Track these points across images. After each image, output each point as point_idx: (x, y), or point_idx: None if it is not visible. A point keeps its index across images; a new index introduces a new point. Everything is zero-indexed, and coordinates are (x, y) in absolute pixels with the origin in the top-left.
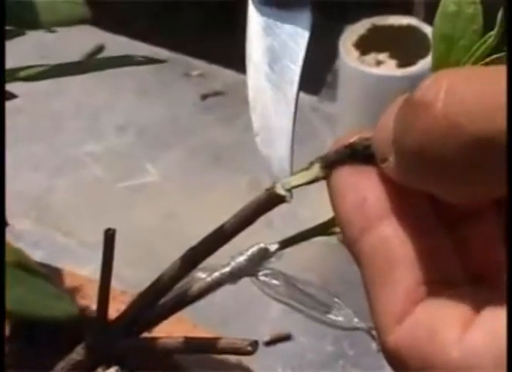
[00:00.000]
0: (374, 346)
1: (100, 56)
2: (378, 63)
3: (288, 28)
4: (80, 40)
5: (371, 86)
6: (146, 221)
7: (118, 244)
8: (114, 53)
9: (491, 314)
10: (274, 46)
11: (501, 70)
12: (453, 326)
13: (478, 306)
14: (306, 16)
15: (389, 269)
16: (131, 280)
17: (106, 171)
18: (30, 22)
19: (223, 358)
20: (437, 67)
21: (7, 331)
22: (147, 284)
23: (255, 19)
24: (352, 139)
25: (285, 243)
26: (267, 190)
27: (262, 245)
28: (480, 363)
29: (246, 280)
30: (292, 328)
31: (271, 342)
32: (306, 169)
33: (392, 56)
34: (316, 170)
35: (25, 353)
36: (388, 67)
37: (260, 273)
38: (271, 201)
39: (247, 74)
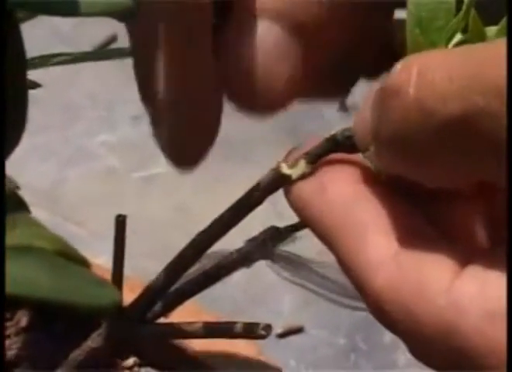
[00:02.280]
0: (387, 339)
1: (113, 46)
2: None
3: None
4: (94, 30)
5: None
6: (158, 212)
7: (130, 235)
8: (127, 43)
9: (479, 266)
10: None
11: (471, 49)
12: (441, 276)
13: (463, 259)
14: None
15: (358, 229)
16: (143, 271)
17: (120, 161)
18: (69, 11)
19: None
20: (412, 51)
21: (24, 321)
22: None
23: None
24: (333, 132)
25: (298, 225)
26: (272, 170)
27: (275, 226)
28: (467, 313)
29: (258, 273)
30: (305, 321)
31: (283, 335)
32: (292, 166)
33: None
34: (302, 166)
35: (43, 343)
36: None
37: (275, 256)
38: (276, 180)
39: None
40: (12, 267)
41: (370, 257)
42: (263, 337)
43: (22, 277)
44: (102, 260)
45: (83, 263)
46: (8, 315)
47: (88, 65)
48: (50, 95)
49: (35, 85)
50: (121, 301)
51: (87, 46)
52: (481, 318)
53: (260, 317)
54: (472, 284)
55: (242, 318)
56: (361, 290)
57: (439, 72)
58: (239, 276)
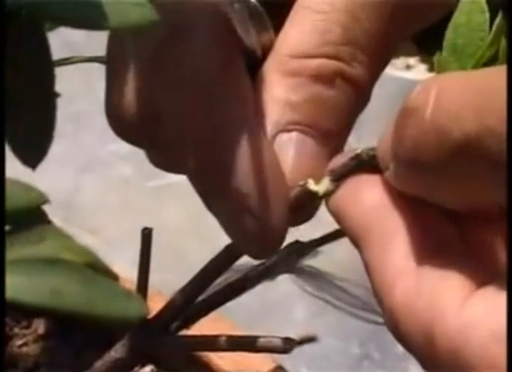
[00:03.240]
0: (400, 348)
1: None
2: (409, 67)
3: None
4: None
5: (401, 90)
6: (174, 221)
7: None
8: None
9: (493, 287)
10: None
11: (491, 72)
12: (455, 295)
13: (482, 279)
14: None
15: (384, 238)
16: (158, 279)
17: (134, 170)
18: (97, 24)
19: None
20: (439, 73)
21: (40, 329)
22: (174, 284)
23: None
24: (358, 151)
25: (322, 240)
26: (299, 185)
27: (299, 241)
28: (475, 333)
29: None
30: (318, 330)
31: (297, 344)
32: (316, 183)
33: (422, 61)
34: (326, 183)
35: (61, 351)
36: (418, 72)
37: (298, 270)
38: (303, 196)
39: None
40: (41, 279)
41: (391, 267)
42: (286, 352)
43: (51, 289)
44: (116, 269)
45: (111, 275)
46: (25, 323)
47: (100, 75)
48: (64, 104)
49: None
50: (148, 313)
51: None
52: (487, 338)
53: (274, 326)
54: (482, 304)
55: (256, 326)
56: (379, 299)
57: (455, 94)
58: None
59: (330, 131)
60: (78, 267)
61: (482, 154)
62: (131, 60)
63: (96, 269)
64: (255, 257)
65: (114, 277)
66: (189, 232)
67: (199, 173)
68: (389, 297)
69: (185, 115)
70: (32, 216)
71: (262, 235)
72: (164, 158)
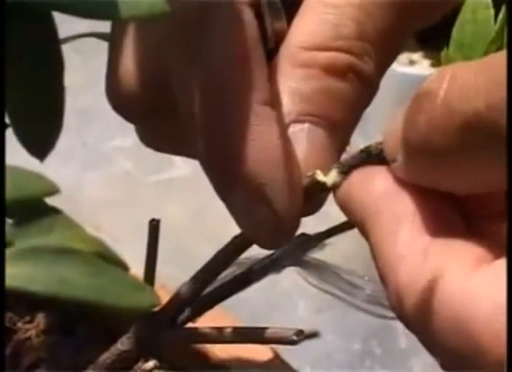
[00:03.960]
0: (402, 345)
1: None
2: (412, 62)
3: None
4: None
5: (404, 86)
6: (176, 215)
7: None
8: None
9: (499, 264)
10: None
11: (502, 54)
12: (459, 268)
13: (485, 256)
14: None
15: (392, 221)
16: (161, 274)
17: (136, 166)
18: (108, 14)
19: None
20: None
21: (42, 324)
22: (176, 279)
23: None
24: (367, 144)
25: (328, 233)
26: (307, 176)
27: (305, 233)
28: (479, 302)
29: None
30: (320, 327)
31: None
32: (325, 174)
33: (425, 56)
34: (334, 175)
35: (63, 346)
36: (421, 67)
37: (303, 263)
38: (311, 187)
39: None
40: (51, 269)
41: (398, 248)
42: (294, 343)
43: (61, 278)
44: None
45: (121, 265)
46: (28, 318)
47: (104, 71)
48: (66, 99)
49: None
50: (158, 303)
51: (103, 53)
52: (492, 309)
53: (275, 322)
54: (489, 276)
55: (258, 323)
56: (384, 280)
57: (468, 76)
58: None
59: (339, 123)
60: (88, 257)
61: (493, 129)
62: (139, 33)
63: (106, 259)
64: (266, 248)
65: (124, 267)
66: (191, 227)
67: (213, 161)
68: (395, 277)
69: (201, 97)
70: (44, 206)
71: (276, 225)
72: (165, 137)
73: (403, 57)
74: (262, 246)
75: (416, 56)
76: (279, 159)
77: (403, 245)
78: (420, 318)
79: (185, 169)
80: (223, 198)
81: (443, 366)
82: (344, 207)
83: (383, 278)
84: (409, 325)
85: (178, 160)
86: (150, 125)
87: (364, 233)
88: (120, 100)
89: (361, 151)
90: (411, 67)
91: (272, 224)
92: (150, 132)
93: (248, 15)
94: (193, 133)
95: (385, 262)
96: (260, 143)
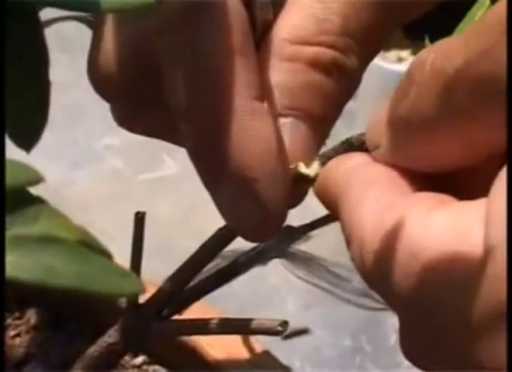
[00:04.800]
0: (392, 340)
1: None
2: (400, 60)
3: None
4: None
5: (392, 83)
6: (165, 214)
7: None
8: None
9: (461, 202)
10: None
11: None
12: (419, 210)
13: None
14: None
15: (362, 186)
16: (150, 272)
17: (126, 164)
18: (91, 7)
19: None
20: None
21: (32, 320)
22: (164, 275)
23: None
24: (349, 136)
25: (313, 225)
26: (290, 169)
27: (290, 225)
28: (432, 238)
29: (262, 275)
30: (310, 323)
31: (288, 336)
32: (307, 166)
33: (414, 54)
34: (316, 167)
35: (53, 342)
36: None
37: (289, 255)
38: (294, 179)
39: None
40: (36, 257)
41: (364, 205)
42: (279, 333)
43: (46, 266)
44: None
45: (105, 253)
46: (18, 314)
47: None
48: (55, 97)
49: None
50: (143, 290)
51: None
52: (444, 244)
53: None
54: (446, 212)
55: None
56: (349, 240)
57: (451, 41)
58: (244, 277)
59: (321, 117)
60: (73, 245)
61: (474, 84)
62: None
63: (91, 247)
64: (252, 241)
65: (108, 256)
66: (180, 225)
67: (203, 153)
68: (360, 229)
69: (191, 88)
70: (28, 195)
71: (264, 218)
72: (140, 119)
73: (392, 54)
74: (248, 239)
75: (405, 53)
76: (269, 153)
77: (369, 200)
78: (383, 266)
79: (175, 168)
80: (211, 190)
81: (402, 334)
82: (319, 193)
83: (348, 239)
84: (373, 279)
85: (168, 159)
86: (127, 105)
87: (337, 213)
88: (99, 77)
89: (343, 143)
90: (399, 64)
91: (259, 217)
92: (125, 113)
93: (238, 6)
94: (181, 124)
95: (351, 221)
96: (250, 137)
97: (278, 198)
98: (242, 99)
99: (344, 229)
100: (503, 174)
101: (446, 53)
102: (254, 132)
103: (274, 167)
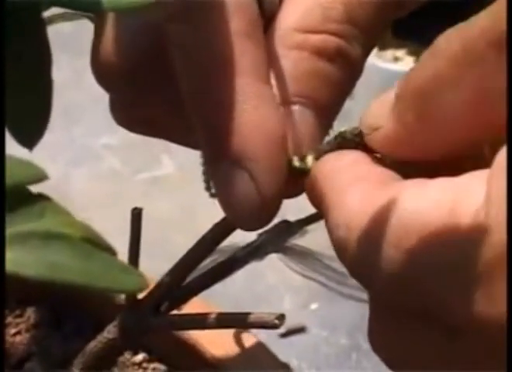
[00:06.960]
0: None
1: None
2: (396, 59)
3: None
4: None
5: (389, 82)
6: (162, 213)
7: None
8: None
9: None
10: None
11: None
12: (415, 187)
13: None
14: None
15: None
16: (148, 270)
17: (123, 163)
18: (93, 6)
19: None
20: None
21: (32, 318)
22: (162, 273)
23: None
24: (342, 129)
25: (310, 219)
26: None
27: (287, 219)
28: (401, 208)
29: (259, 273)
30: (307, 321)
31: (285, 334)
32: (302, 160)
33: (410, 53)
34: (309, 161)
35: (52, 340)
36: (406, 64)
37: (286, 250)
38: (288, 172)
39: None
40: (41, 253)
41: (352, 195)
42: (276, 327)
43: (51, 262)
44: None
45: (109, 250)
46: (18, 312)
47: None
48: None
49: None
50: (147, 286)
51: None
52: (438, 215)
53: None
54: (438, 182)
55: None
56: (330, 224)
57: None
58: (240, 275)
59: (327, 105)
60: (77, 242)
61: (492, 42)
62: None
63: (95, 244)
64: (246, 228)
65: (112, 252)
66: (177, 224)
67: (206, 131)
68: (345, 211)
69: (198, 66)
70: (33, 193)
71: (258, 203)
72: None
73: (388, 54)
74: (243, 226)
75: (401, 52)
76: (269, 136)
77: (355, 189)
78: (371, 241)
79: (172, 167)
80: (211, 169)
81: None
82: (307, 190)
83: (331, 227)
84: (357, 260)
85: (166, 159)
86: (127, 94)
87: (322, 205)
88: (101, 65)
89: (336, 136)
90: (395, 63)
91: (255, 202)
92: (124, 104)
93: None
94: (188, 104)
95: (335, 205)
96: (253, 119)
97: (274, 183)
98: (249, 81)
99: (326, 221)
100: (503, 152)
101: (460, 27)
102: (257, 114)
103: (272, 151)
